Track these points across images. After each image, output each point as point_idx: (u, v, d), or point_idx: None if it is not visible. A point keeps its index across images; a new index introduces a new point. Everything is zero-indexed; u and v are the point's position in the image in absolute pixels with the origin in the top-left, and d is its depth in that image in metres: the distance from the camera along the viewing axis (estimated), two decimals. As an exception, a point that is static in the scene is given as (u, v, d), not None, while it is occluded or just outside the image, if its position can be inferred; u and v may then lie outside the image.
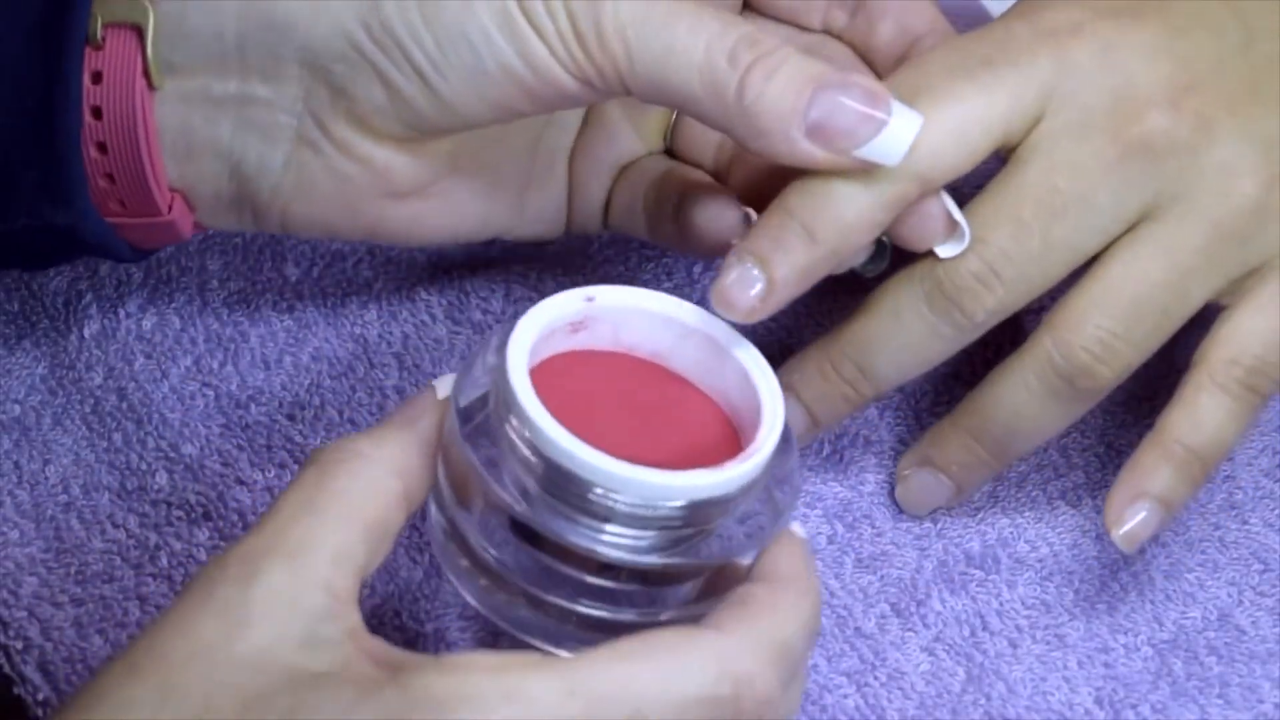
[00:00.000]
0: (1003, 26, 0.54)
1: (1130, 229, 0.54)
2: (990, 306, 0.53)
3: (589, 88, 0.50)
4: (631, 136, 0.58)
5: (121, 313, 0.61)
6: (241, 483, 0.57)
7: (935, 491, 0.58)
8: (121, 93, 0.50)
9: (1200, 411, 0.54)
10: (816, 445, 0.59)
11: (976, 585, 0.58)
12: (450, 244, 0.59)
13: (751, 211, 0.55)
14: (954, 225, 0.52)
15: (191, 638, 0.43)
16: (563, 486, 0.46)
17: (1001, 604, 0.58)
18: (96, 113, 0.50)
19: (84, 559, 0.56)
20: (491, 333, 0.50)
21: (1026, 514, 0.59)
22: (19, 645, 0.54)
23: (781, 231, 0.50)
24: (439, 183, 0.55)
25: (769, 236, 0.50)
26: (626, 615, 0.47)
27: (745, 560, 0.48)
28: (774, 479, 0.48)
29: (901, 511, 0.59)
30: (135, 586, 0.55)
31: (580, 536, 0.46)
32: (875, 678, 0.56)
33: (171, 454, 0.58)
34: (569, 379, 0.48)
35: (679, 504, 0.46)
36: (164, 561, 0.56)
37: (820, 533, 0.58)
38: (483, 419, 0.48)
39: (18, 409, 0.59)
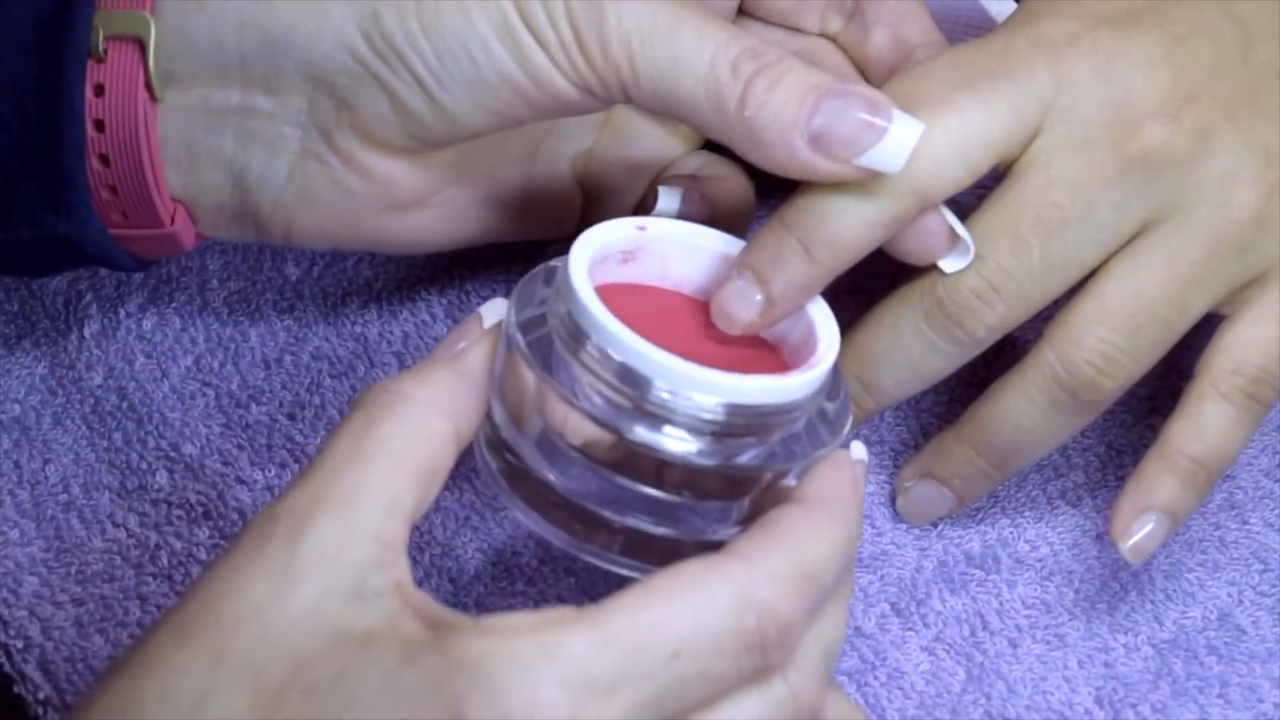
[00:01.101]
0: (1002, 38, 0.54)
1: (1130, 240, 0.54)
2: (990, 323, 0.53)
3: (590, 96, 0.50)
4: (660, 136, 0.58)
5: (121, 312, 0.61)
6: (242, 482, 0.57)
7: (937, 503, 0.58)
8: (123, 105, 0.50)
9: (1203, 421, 0.54)
10: (817, 445, 0.59)
11: (976, 585, 0.58)
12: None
13: None
14: (956, 239, 0.52)
15: (241, 599, 0.43)
16: (623, 388, 0.47)
17: (1001, 604, 0.58)
18: (99, 125, 0.51)
19: (84, 558, 0.56)
20: (538, 266, 0.50)
21: (1026, 514, 0.59)
22: (19, 644, 0.54)
23: (780, 249, 0.50)
24: (441, 193, 0.55)
25: (767, 253, 0.50)
26: (676, 532, 0.48)
27: (792, 479, 0.48)
28: (824, 407, 0.49)
29: (901, 519, 0.59)
30: (136, 586, 0.55)
31: (639, 435, 0.47)
32: (875, 677, 0.56)
33: (172, 453, 0.58)
34: (618, 304, 0.48)
35: (734, 405, 0.47)
36: (164, 561, 0.56)
37: (820, 532, 0.58)
38: (536, 340, 0.48)
39: (18, 408, 0.59)
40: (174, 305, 0.61)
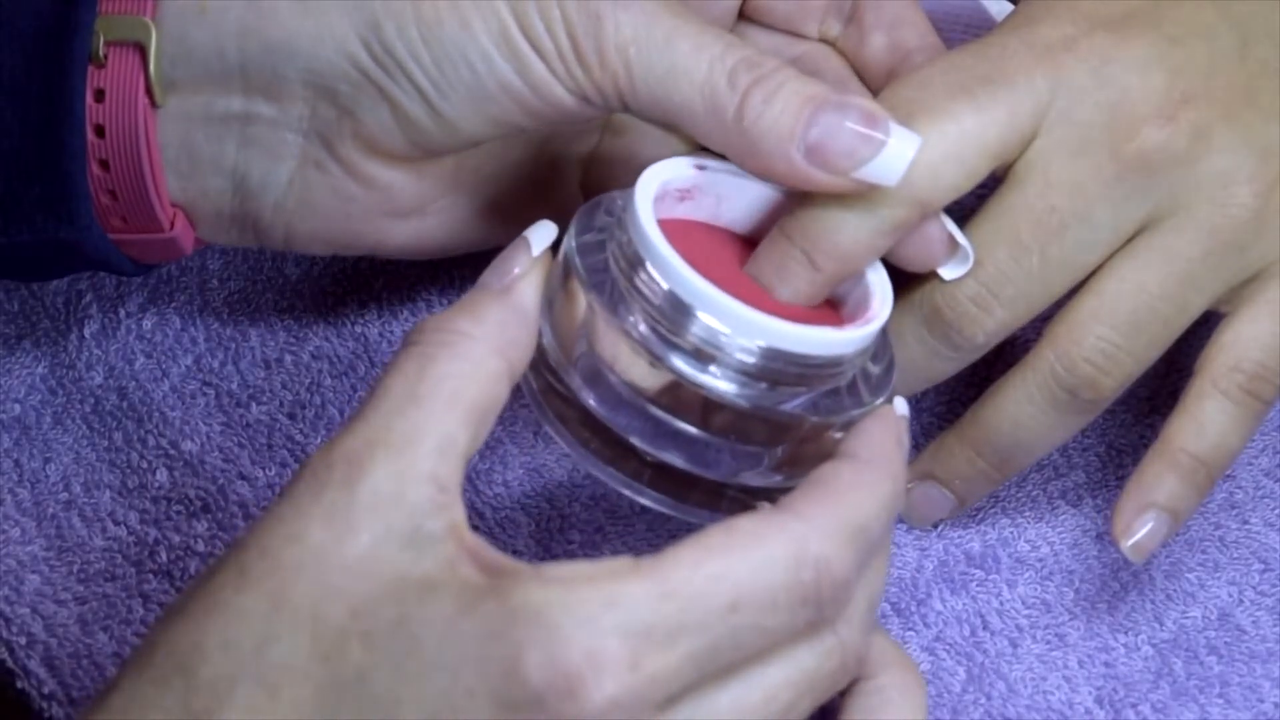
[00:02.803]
0: (998, 42, 0.54)
1: (1129, 241, 0.54)
2: (990, 329, 0.53)
3: (588, 104, 0.50)
4: (662, 138, 0.58)
5: (121, 312, 0.61)
6: (243, 478, 0.57)
7: (938, 505, 0.58)
8: (124, 110, 0.50)
9: (1204, 419, 0.54)
10: (817, 444, 0.59)
11: (977, 585, 0.58)
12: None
13: None
14: (955, 246, 0.52)
15: (301, 543, 0.43)
16: (675, 318, 0.47)
17: (1002, 603, 0.58)
18: (99, 130, 0.51)
19: (85, 557, 0.56)
20: (600, 195, 0.51)
21: (1027, 514, 0.59)
22: (22, 640, 0.54)
23: (784, 260, 0.50)
24: (441, 199, 0.55)
25: (771, 264, 0.50)
26: (707, 472, 0.48)
27: (836, 432, 0.48)
28: (869, 368, 0.50)
29: (901, 520, 0.59)
30: (137, 584, 0.55)
31: (685, 369, 0.47)
32: (876, 677, 0.56)
33: (172, 452, 0.58)
34: (679, 241, 0.48)
35: (779, 351, 0.47)
36: (163, 557, 0.56)
37: (821, 532, 0.58)
38: (590, 264, 0.48)
39: (18, 408, 0.59)
40: (174, 305, 0.61)
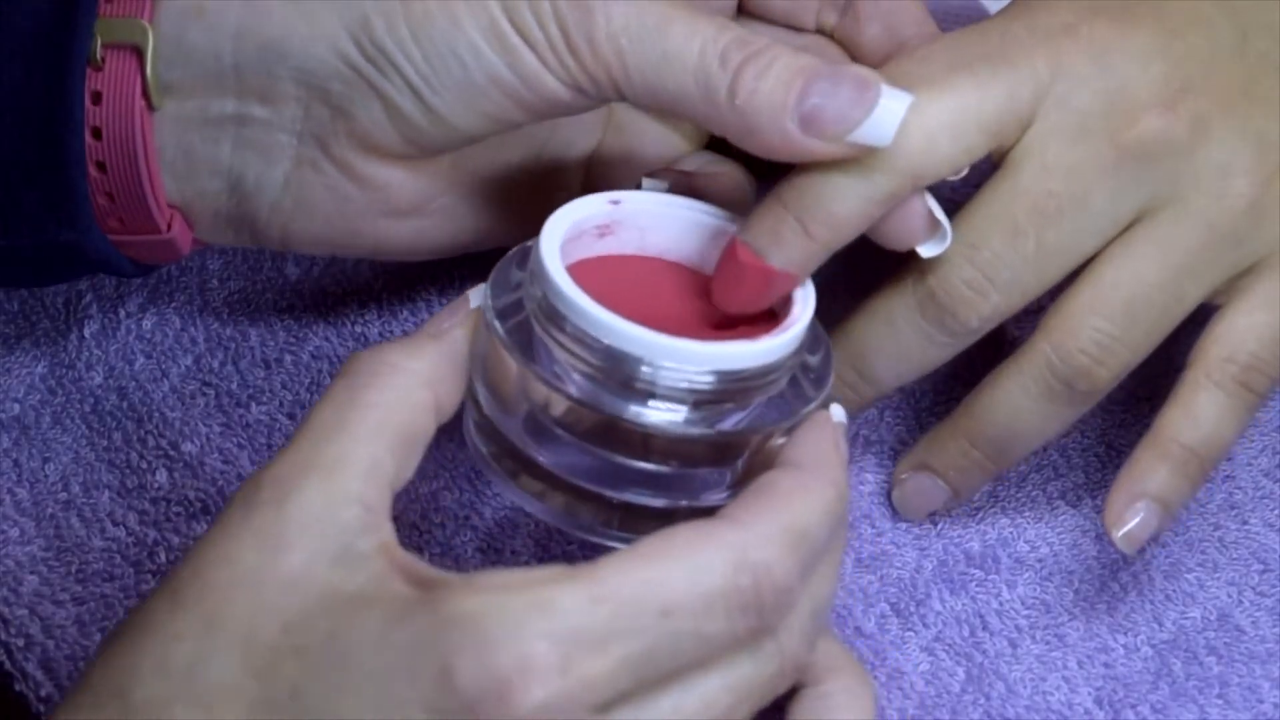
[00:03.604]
0: (999, 26, 0.54)
1: (1125, 230, 0.54)
2: (985, 313, 0.53)
3: (582, 95, 0.50)
4: (664, 137, 0.58)
5: (121, 312, 0.61)
6: (243, 479, 0.57)
7: (932, 495, 0.58)
8: (121, 113, 0.51)
9: (1197, 409, 0.54)
10: (816, 445, 0.59)
11: (976, 585, 0.58)
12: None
13: None
14: (936, 225, 0.52)
15: (232, 565, 0.44)
16: (605, 367, 0.47)
17: (1001, 604, 0.58)
18: (96, 133, 0.51)
19: (84, 557, 0.56)
20: (515, 249, 0.51)
21: (1026, 514, 0.59)
22: (20, 642, 0.54)
23: (777, 225, 0.50)
24: (439, 199, 0.55)
25: (765, 231, 0.51)
26: (672, 501, 0.48)
27: (778, 440, 0.48)
28: (806, 361, 0.50)
29: (899, 517, 0.59)
30: (135, 584, 0.55)
31: (625, 411, 0.47)
32: (875, 677, 0.56)
33: (172, 452, 0.58)
34: (596, 278, 0.49)
35: (718, 372, 0.47)
36: (163, 558, 0.56)
37: (820, 532, 0.58)
38: (515, 325, 0.49)
39: (17, 408, 0.59)
40: (174, 305, 0.61)
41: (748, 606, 0.43)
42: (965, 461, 0.56)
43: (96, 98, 0.51)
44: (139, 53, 0.50)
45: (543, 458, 0.49)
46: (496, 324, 0.48)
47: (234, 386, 0.59)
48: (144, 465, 0.57)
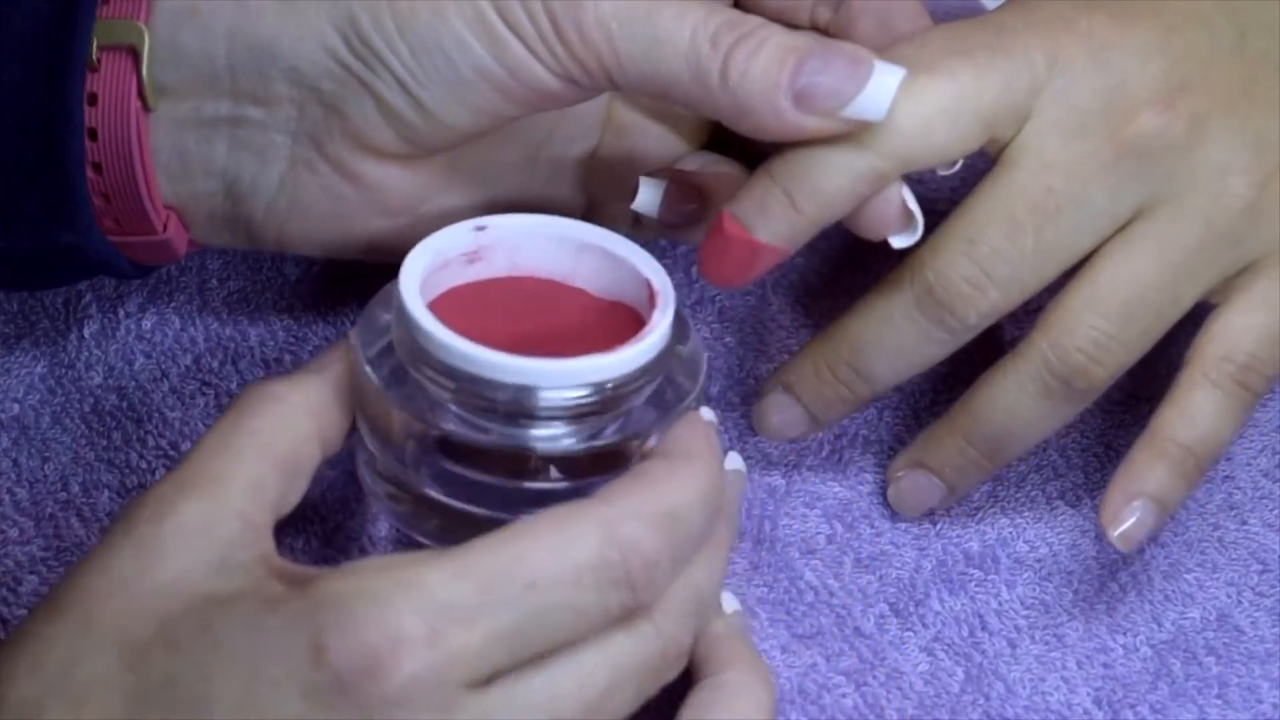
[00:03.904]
0: (997, 18, 0.54)
1: (1123, 228, 0.54)
2: (983, 310, 0.53)
3: (573, 86, 0.50)
4: (665, 137, 0.58)
5: (121, 312, 0.61)
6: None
7: (928, 494, 0.58)
8: (117, 114, 0.51)
9: (1193, 408, 0.54)
10: (816, 445, 0.59)
11: (975, 585, 0.58)
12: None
13: None
14: (909, 217, 0.52)
15: (109, 574, 0.45)
16: (476, 397, 0.48)
17: (1000, 604, 0.58)
18: (92, 134, 0.51)
19: (84, 557, 0.56)
20: (380, 290, 0.52)
21: (1026, 514, 0.59)
22: (19, 642, 0.54)
23: (765, 199, 0.51)
24: (434, 199, 0.55)
25: (752, 203, 0.51)
26: None
27: (654, 441, 0.49)
28: (676, 362, 0.50)
29: (896, 515, 0.59)
30: (135, 584, 0.55)
31: (502, 439, 0.48)
32: (874, 677, 0.56)
33: (172, 452, 0.58)
34: (469, 305, 0.50)
35: (587, 386, 0.48)
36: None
37: (820, 532, 0.58)
38: (392, 367, 0.49)
39: (17, 407, 0.59)
40: (174, 305, 0.61)
41: (618, 581, 0.44)
42: (962, 460, 0.56)
43: (92, 99, 0.51)
44: (135, 54, 0.50)
45: (436, 493, 0.49)
46: (368, 370, 0.49)
47: (234, 386, 0.59)
48: (144, 465, 0.57)
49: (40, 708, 0.43)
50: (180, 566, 0.44)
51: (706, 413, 0.50)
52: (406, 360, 0.49)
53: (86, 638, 0.44)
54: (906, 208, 0.52)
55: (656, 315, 0.49)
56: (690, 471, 0.47)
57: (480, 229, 0.52)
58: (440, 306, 0.50)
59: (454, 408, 0.48)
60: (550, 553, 0.43)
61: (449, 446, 0.49)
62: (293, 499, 0.48)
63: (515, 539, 0.44)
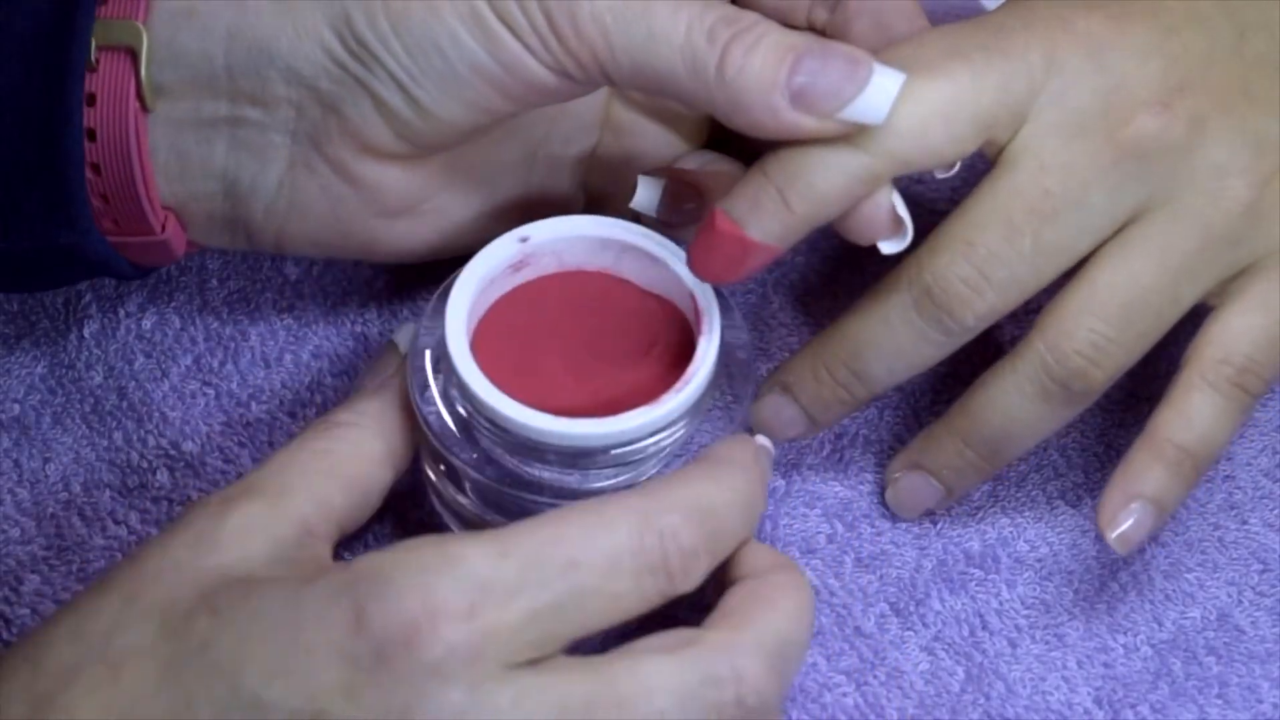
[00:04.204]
0: (994, 20, 0.54)
1: (1121, 230, 0.54)
2: (980, 312, 0.53)
3: (568, 80, 0.50)
4: (663, 136, 0.58)
5: (121, 312, 0.61)
6: (243, 478, 0.57)
7: (925, 495, 0.58)
8: (115, 115, 0.51)
9: (1191, 410, 0.54)
10: (816, 445, 0.59)
11: (976, 585, 0.58)
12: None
13: None
14: (899, 223, 0.52)
15: (163, 558, 0.45)
16: (529, 449, 0.50)
17: (1001, 603, 0.58)
18: (90, 134, 0.51)
19: (85, 556, 0.56)
20: (433, 312, 0.52)
21: (1026, 514, 0.59)
22: (21, 641, 0.54)
23: (758, 196, 0.50)
24: (433, 199, 0.55)
25: (745, 199, 0.51)
26: None
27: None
28: (724, 387, 0.52)
29: (894, 515, 0.59)
30: (136, 584, 0.55)
31: (555, 479, 0.50)
32: (874, 677, 0.56)
33: (173, 452, 0.58)
34: (520, 312, 0.51)
35: (636, 440, 0.49)
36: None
37: (820, 532, 0.58)
38: (446, 410, 0.51)
39: (17, 408, 0.59)
40: (173, 305, 0.61)
41: (655, 568, 0.44)
42: (960, 461, 0.56)
43: (91, 99, 0.51)
44: (133, 55, 0.50)
45: (493, 516, 0.51)
46: (421, 414, 0.50)
47: (234, 386, 0.59)
48: (145, 465, 0.57)
49: (76, 671, 0.43)
50: (234, 556, 0.45)
51: (762, 439, 0.51)
52: (460, 407, 0.50)
53: (131, 609, 0.44)
54: (896, 213, 0.52)
55: (692, 368, 0.50)
56: (729, 474, 0.47)
57: (524, 240, 0.52)
58: (491, 322, 0.51)
59: (509, 456, 0.50)
60: (589, 537, 0.44)
61: (507, 478, 0.50)
62: (360, 517, 0.49)
63: (556, 522, 0.44)
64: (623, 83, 0.50)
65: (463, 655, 0.42)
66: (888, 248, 0.52)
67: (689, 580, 0.45)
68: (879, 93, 0.49)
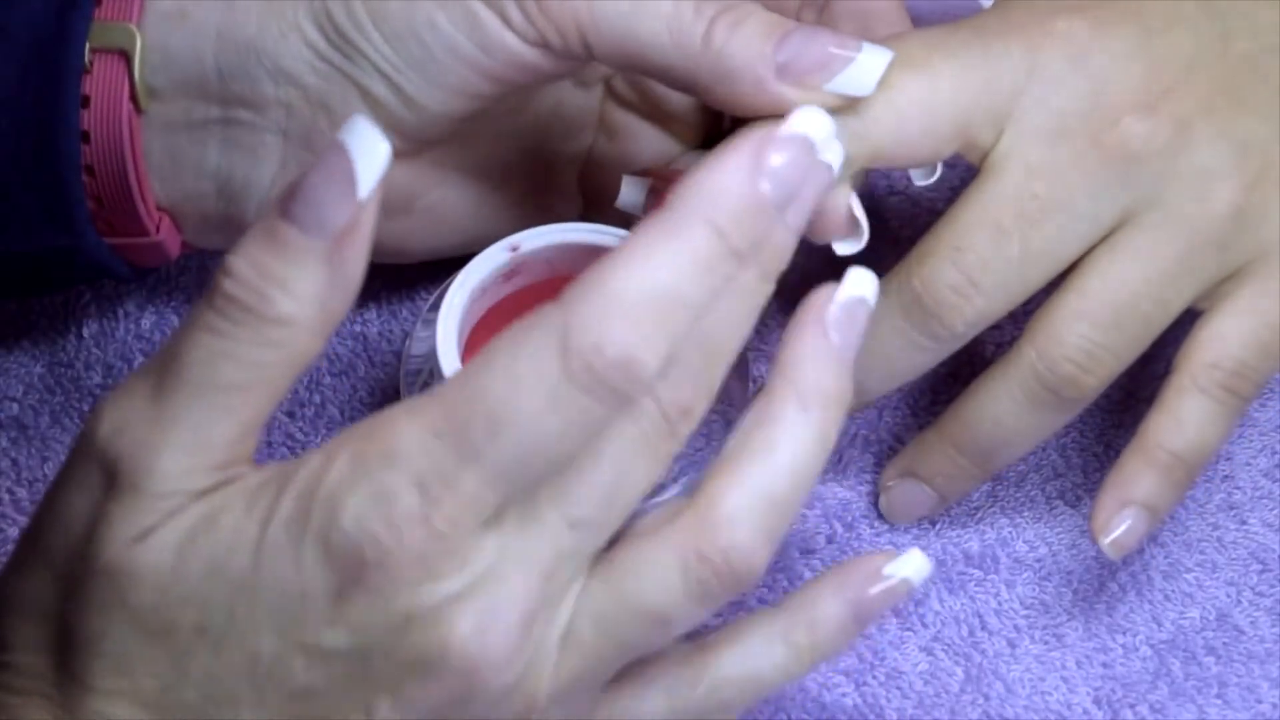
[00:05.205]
0: (976, 22, 0.53)
1: (1109, 235, 0.53)
2: (969, 318, 0.53)
3: (548, 54, 0.50)
4: (658, 137, 0.58)
5: (120, 312, 0.61)
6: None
7: (919, 502, 0.57)
8: (109, 117, 0.51)
9: (1182, 415, 0.54)
10: (816, 445, 0.59)
11: (975, 585, 0.58)
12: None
13: None
14: (855, 224, 0.52)
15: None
16: None
17: (1000, 604, 0.58)
18: (85, 137, 0.51)
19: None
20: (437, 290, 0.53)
21: (1025, 514, 0.59)
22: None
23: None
24: (425, 197, 0.55)
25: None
26: None
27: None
28: (720, 391, 0.49)
29: (887, 520, 0.59)
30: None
31: None
32: (874, 677, 0.56)
33: (171, 452, 0.58)
34: (508, 325, 0.50)
35: None
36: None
37: (820, 532, 0.58)
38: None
39: (16, 407, 0.59)
40: (173, 305, 0.61)
41: (589, 387, 0.40)
42: (952, 469, 0.56)
43: (85, 101, 0.51)
44: (127, 57, 0.50)
45: None
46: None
47: (233, 386, 0.59)
48: (143, 465, 0.57)
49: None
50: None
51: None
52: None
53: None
54: (853, 214, 0.52)
55: None
56: (673, 230, 0.41)
57: (514, 249, 0.52)
58: (483, 332, 0.51)
59: None
60: (511, 384, 0.40)
61: None
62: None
63: (475, 375, 0.40)
64: (604, 54, 0.49)
65: (435, 549, 0.40)
66: (843, 248, 0.52)
67: (640, 385, 0.41)
68: (866, 66, 0.49)
